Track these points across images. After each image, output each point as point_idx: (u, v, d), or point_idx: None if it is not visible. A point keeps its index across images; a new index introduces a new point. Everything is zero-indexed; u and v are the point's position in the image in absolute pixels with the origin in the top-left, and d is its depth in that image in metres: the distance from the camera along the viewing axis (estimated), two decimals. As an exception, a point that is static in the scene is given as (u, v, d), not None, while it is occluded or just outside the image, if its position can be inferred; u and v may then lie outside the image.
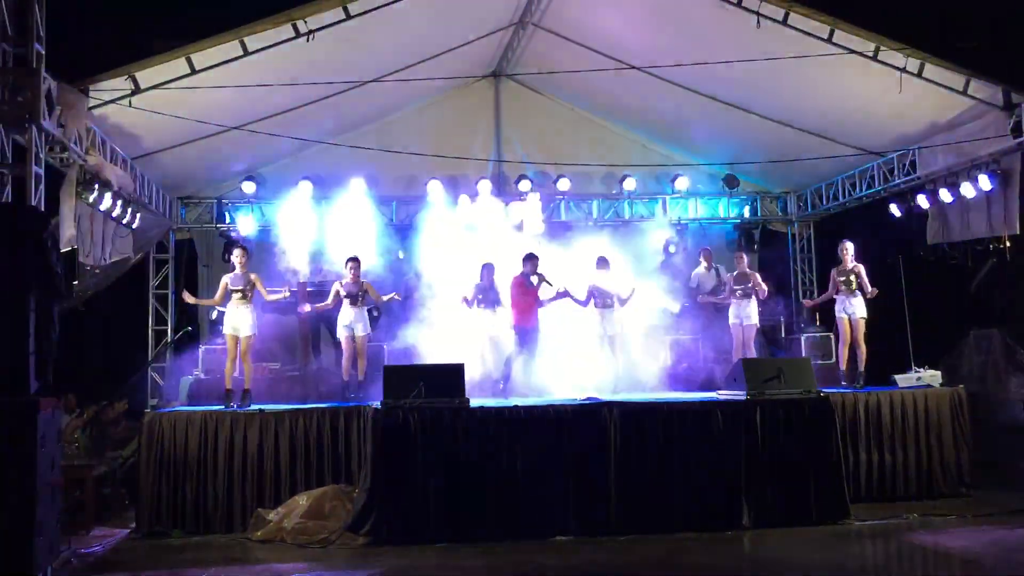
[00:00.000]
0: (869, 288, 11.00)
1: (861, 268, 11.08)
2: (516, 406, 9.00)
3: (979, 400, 11.03)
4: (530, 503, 8.49)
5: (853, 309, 10.99)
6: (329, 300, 11.00)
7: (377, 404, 8.78)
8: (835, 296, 11.17)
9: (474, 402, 8.92)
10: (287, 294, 10.88)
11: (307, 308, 11.43)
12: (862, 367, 10.95)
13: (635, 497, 8.59)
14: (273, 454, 9.20)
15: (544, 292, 11.52)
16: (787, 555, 8.01)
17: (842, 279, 11.07)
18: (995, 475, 10.72)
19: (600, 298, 11.46)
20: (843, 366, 11.07)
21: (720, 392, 9.62)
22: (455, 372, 8.91)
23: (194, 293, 13.81)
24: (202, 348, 12.00)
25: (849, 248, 11.20)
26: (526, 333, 11.16)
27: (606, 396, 9.77)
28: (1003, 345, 13.43)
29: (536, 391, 10.87)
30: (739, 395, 9.15)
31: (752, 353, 11.58)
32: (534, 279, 11.36)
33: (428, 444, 8.49)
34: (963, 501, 9.88)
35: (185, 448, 9.09)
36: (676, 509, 8.61)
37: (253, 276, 10.35)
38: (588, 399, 9.41)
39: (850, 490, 9.27)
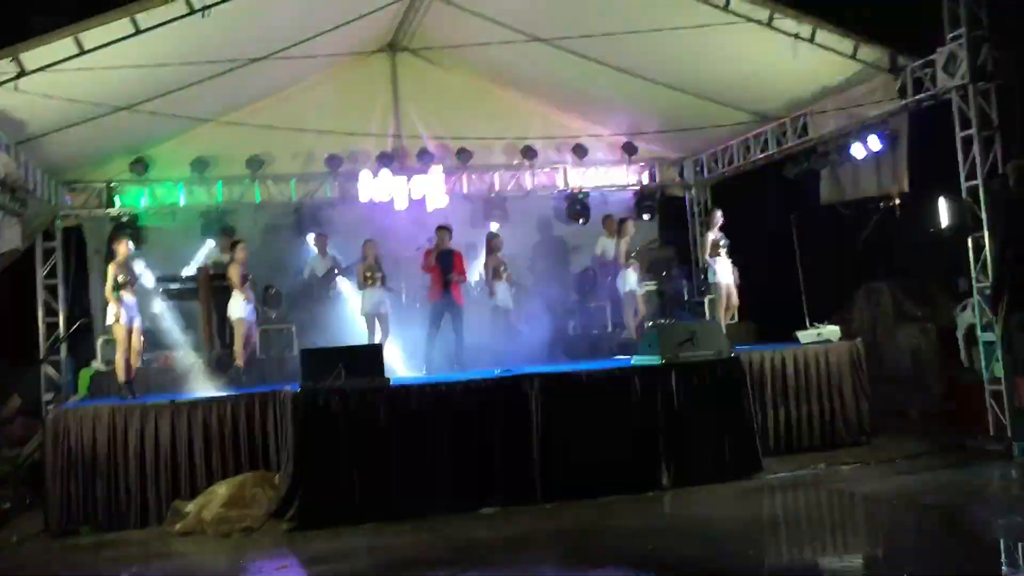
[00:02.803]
0: None
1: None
2: (437, 382, 9.00)
3: (870, 351, 11.51)
4: (457, 477, 8.50)
5: (730, 274, 11.60)
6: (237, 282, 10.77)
7: (294, 387, 8.63)
8: (712, 259, 11.68)
9: (394, 380, 8.86)
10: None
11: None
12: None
13: (559, 465, 8.69)
14: (187, 445, 8.92)
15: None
16: (707, 511, 8.28)
17: (721, 244, 11.61)
18: (889, 422, 11.28)
19: (493, 272, 11.60)
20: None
21: (635, 357, 9.80)
22: (375, 351, 8.85)
23: (85, 281, 13.42)
24: (101, 339, 11.55)
25: (719, 216, 12.01)
26: (451, 306, 11.14)
27: (524, 368, 9.84)
28: (891, 298, 14.11)
29: (462, 365, 10.90)
30: (654, 360, 9.34)
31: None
32: (456, 277, 11.37)
33: (350, 425, 8.39)
34: (864, 449, 10.32)
35: (93, 443, 8.72)
36: (599, 474, 8.73)
37: None
38: (506, 371, 9.45)
39: (760, 445, 9.60)
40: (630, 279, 12.12)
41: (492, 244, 12.60)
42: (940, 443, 10.07)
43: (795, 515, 8.58)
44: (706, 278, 12.38)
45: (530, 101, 14.43)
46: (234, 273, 10.67)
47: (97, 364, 11.35)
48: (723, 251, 11.75)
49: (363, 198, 13.37)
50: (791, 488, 8.98)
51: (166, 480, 8.85)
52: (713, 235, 11.83)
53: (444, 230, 11.47)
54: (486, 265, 12.51)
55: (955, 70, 9.68)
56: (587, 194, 14.84)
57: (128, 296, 9.74)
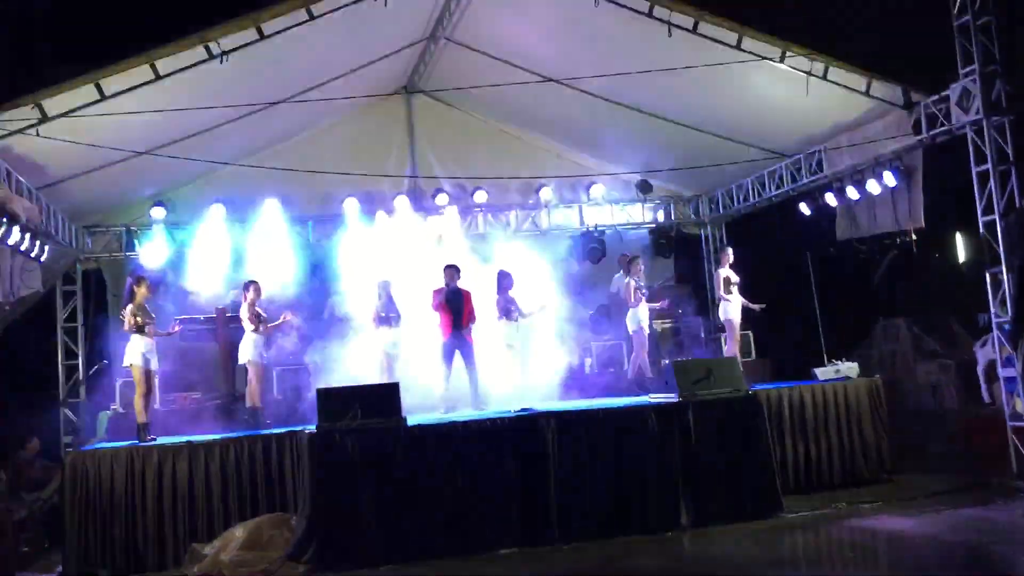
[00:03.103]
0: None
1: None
2: (453, 422, 8.97)
3: (889, 387, 11.43)
4: (473, 518, 8.43)
5: (739, 311, 11.72)
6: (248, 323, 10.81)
7: (311, 428, 8.63)
8: (725, 297, 11.66)
9: (411, 420, 8.85)
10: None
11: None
12: None
13: (577, 504, 8.63)
14: (204, 486, 8.94)
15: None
16: (727, 551, 8.17)
17: (732, 282, 11.67)
18: (910, 459, 11.14)
19: (503, 311, 11.60)
20: None
21: (652, 395, 9.75)
22: (391, 391, 8.82)
23: (104, 325, 13.50)
24: (119, 382, 11.59)
25: (730, 253, 12.01)
26: (463, 345, 11.11)
27: (541, 406, 9.81)
28: (910, 334, 14.03)
29: (478, 404, 10.85)
30: (671, 397, 9.29)
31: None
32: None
33: (367, 466, 8.37)
34: (885, 486, 10.23)
35: (111, 486, 8.75)
36: (617, 513, 8.67)
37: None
38: (523, 410, 9.42)
39: (780, 482, 9.50)
40: (640, 316, 12.05)
41: (503, 283, 12.54)
42: (963, 481, 9.94)
43: (816, 555, 8.46)
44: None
45: (544, 140, 14.53)
46: (245, 314, 10.66)
47: (115, 406, 11.37)
48: (735, 288, 11.74)
49: (380, 238, 13.46)
50: (812, 527, 8.86)
51: (184, 522, 8.85)
52: (724, 272, 11.81)
53: (452, 269, 11.47)
54: (497, 304, 12.44)
55: (969, 105, 9.71)
56: (603, 232, 14.86)
57: (146, 338, 9.78)
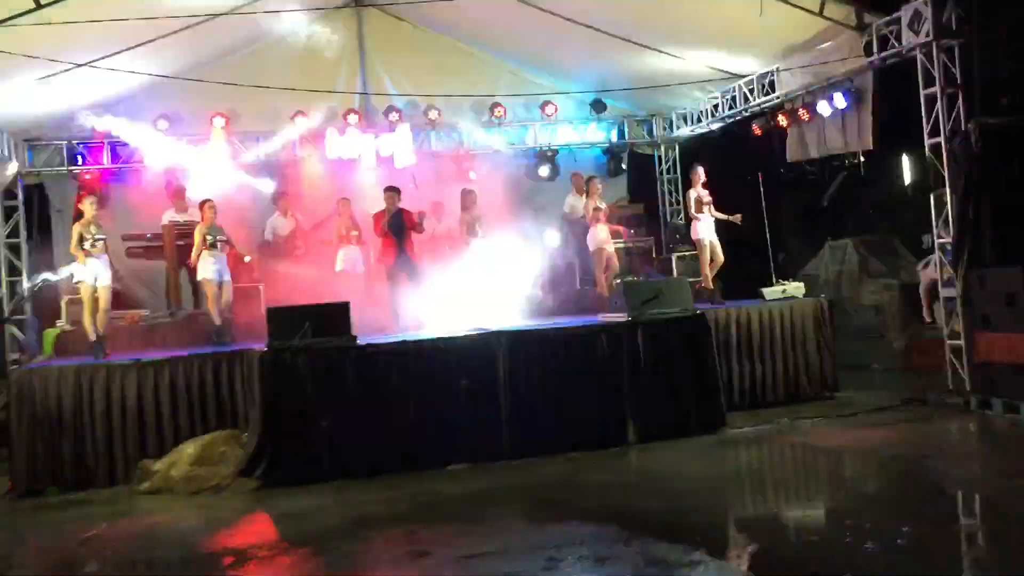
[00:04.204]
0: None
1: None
2: (404, 340, 9.01)
3: (835, 307, 11.65)
4: (424, 435, 8.55)
5: (712, 230, 11.54)
6: (196, 248, 10.69)
7: (262, 346, 8.62)
8: (697, 217, 11.64)
9: (362, 339, 8.87)
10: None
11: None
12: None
13: (527, 422, 8.77)
14: (154, 405, 8.90)
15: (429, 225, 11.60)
16: (672, 466, 8.37)
17: (704, 202, 11.57)
18: (853, 378, 11.45)
19: (469, 228, 11.59)
20: (709, 284, 11.60)
21: (603, 315, 9.85)
22: (342, 310, 8.81)
23: (48, 240, 13.27)
24: (65, 299, 11.41)
25: (701, 173, 11.77)
26: (408, 267, 11.09)
27: (492, 326, 9.86)
28: (857, 255, 14.29)
29: (423, 324, 10.89)
30: (621, 317, 9.40)
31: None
32: (418, 216, 11.27)
33: (318, 384, 8.42)
34: (827, 403, 10.50)
35: (59, 404, 8.68)
36: (567, 431, 8.83)
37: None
38: (475, 329, 9.48)
39: (725, 401, 9.72)
40: (600, 235, 12.12)
41: (466, 200, 12.54)
42: (902, 397, 10.24)
43: (758, 469, 8.73)
44: (680, 235, 12.38)
45: (499, 58, 14.31)
46: (199, 233, 10.53)
47: (62, 324, 11.22)
48: (707, 208, 11.65)
49: (330, 156, 13.29)
50: (755, 443, 9.13)
51: (133, 440, 8.83)
52: (696, 192, 11.73)
53: (392, 191, 11.37)
54: (461, 221, 12.45)
55: (920, 27, 9.72)
56: (556, 151, 14.79)
57: (94, 255, 9.64)
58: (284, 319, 8.63)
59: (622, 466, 8.57)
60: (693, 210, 11.71)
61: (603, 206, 12.44)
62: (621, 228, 12.71)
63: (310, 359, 8.43)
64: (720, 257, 11.67)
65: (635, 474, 8.42)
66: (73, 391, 8.73)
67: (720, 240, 11.75)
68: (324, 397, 8.41)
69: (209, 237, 10.40)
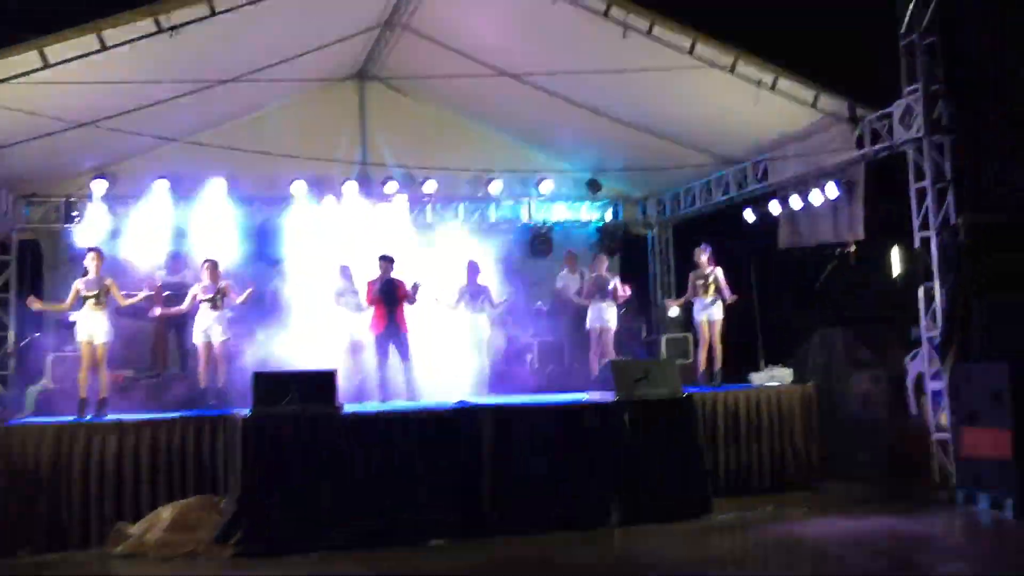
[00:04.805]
0: (729, 294, 11.41)
1: (719, 271, 11.49)
2: (389, 411, 8.96)
3: (824, 396, 11.62)
4: (406, 509, 8.42)
5: (711, 312, 11.43)
6: (185, 304, 10.70)
7: (246, 411, 8.55)
8: (693, 299, 11.58)
9: (347, 407, 8.80)
10: (142, 296, 10.49)
11: (158, 312, 10.95)
12: (718, 367, 11.40)
13: (510, 499, 8.66)
14: (133, 466, 8.78)
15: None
16: (656, 551, 8.24)
17: (700, 282, 11.48)
18: (838, 467, 11.32)
19: (472, 301, 11.57)
20: (702, 367, 11.51)
21: (590, 393, 9.82)
22: (327, 378, 8.76)
23: (40, 297, 13.19)
24: (50, 356, 11.36)
25: (706, 252, 11.61)
26: (397, 337, 11.03)
27: (478, 399, 9.83)
28: (845, 344, 14.26)
29: (412, 395, 10.81)
30: (608, 396, 9.36)
31: (610, 356, 11.84)
32: (410, 286, 11.22)
33: (300, 452, 8.32)
34: (812, 492, 10.38)
35: (37, 462, 8.55)
36: (550, 509, 8.71)
37: (108, 280, 9.88)
38: (460, 403, 9.43)
39: (711, 485, 9.62)
40: (603, 313, 12.02)
41: (472, 273, 12.37)
42: (887, 490, 10.17)
43: (742, 558, 8.57)
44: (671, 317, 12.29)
45: (497, 134, 14.53)
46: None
47: (45, 381, 11.14)
48: (711, 289, 11.49)
49: (326, 223, 13.38)
50: (740, 530, 8.99)
51: (110, 502, 8.69)
52: (694, 274, 11.59)
53: (387, 260, 11.38)
54: (466, 291, 12.28)
55: (911, 123, 9.92)
56: (551, 228, 14.91)
57: (92, 311, 9.63)
58: (269, 384, 8.56)
59: (606, 549, 8.42)
60: (698, 293, 11.46)
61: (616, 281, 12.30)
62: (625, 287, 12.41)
63: (293, 426, 8.35)
64: (718, 345, 11.46)
65: (620, 559, 8.26)
66: (51, 450, 8.61)
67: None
68: (306, 465, 8.30)
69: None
